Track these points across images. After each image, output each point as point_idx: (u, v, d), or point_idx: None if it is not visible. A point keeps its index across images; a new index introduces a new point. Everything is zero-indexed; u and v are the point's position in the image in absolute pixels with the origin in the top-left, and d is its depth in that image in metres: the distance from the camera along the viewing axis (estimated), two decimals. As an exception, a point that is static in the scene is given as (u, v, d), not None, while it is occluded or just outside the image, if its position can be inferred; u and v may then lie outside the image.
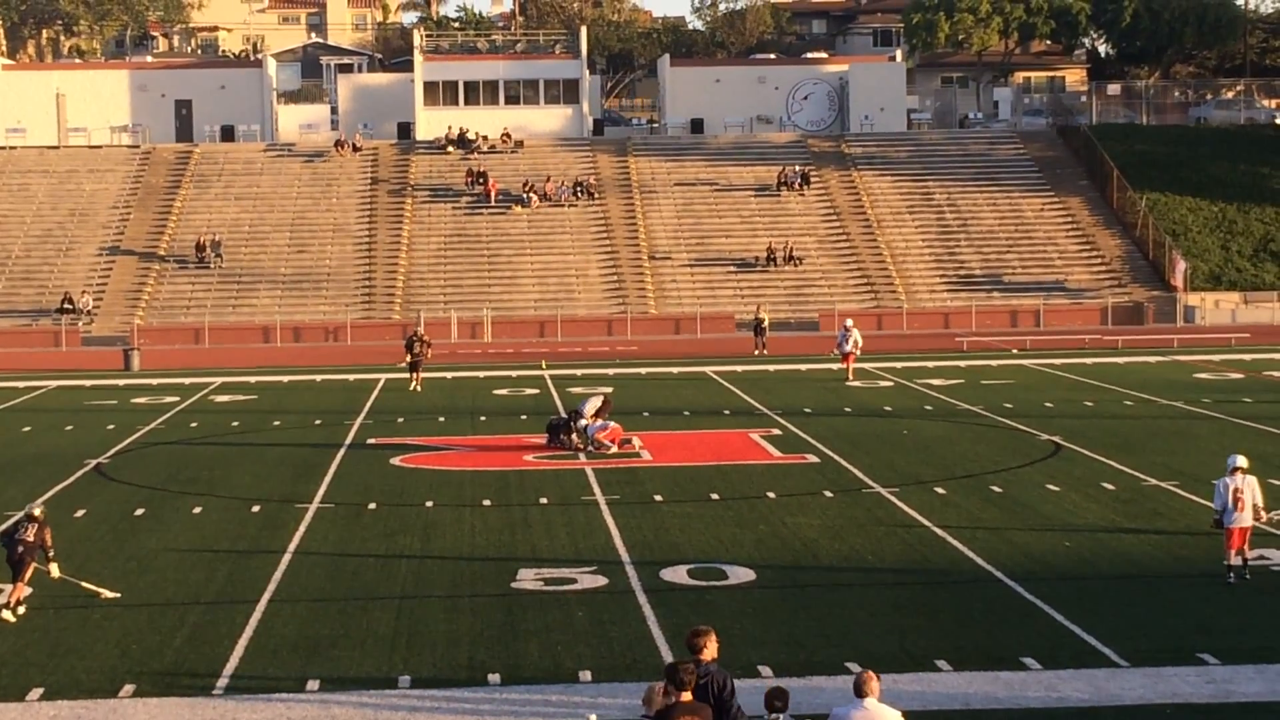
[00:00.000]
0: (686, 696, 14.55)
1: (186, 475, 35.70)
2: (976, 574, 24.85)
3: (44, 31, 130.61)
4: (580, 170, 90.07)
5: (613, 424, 38.74)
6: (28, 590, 23.05)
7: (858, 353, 54.71)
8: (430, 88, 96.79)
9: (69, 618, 22.73)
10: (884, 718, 14.77)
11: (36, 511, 23.77)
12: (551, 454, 37.85)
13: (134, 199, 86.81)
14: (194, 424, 45.40)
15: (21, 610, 22.76)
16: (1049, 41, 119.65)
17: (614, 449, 37.74)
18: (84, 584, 24.01)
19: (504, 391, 52.65)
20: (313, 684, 19.57)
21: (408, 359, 53.86)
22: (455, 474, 35.47)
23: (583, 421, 38.69)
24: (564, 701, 18.61)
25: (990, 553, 26.09)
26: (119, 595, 23.88)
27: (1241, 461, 24.35)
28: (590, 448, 37.92)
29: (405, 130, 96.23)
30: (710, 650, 15.15)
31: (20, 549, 22.99)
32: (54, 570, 23.61)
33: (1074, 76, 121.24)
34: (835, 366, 56.21)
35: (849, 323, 55.72)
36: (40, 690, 19.47)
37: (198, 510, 31.18)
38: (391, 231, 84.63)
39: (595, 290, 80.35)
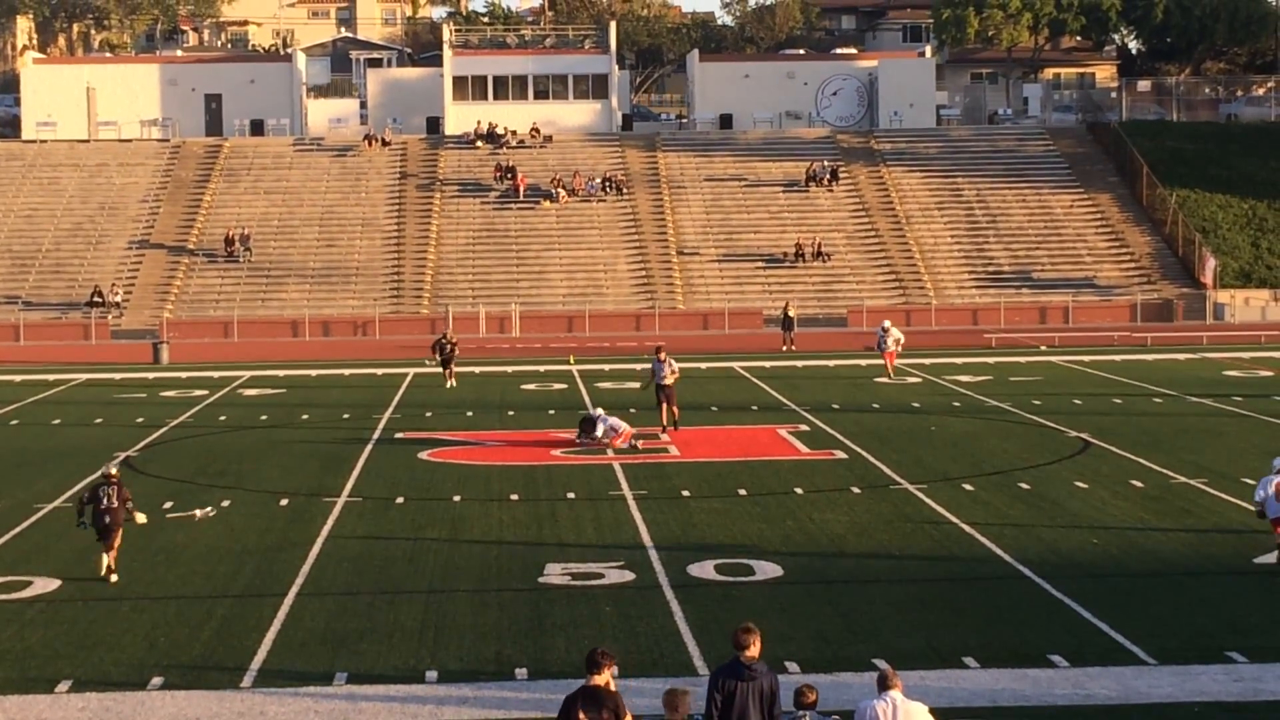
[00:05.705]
0: (599, 680, 14.61)
1: (215, 468, 35.80)
2: (1004, 571, 24.81)
3: (75, 25, 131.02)
4: (609, 165, 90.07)
5: (625, 426, 38.37)
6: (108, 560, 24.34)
7: (899, 350, 54.43)
8: (459, 82, 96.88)
9: (97, 610, 22.83)
10: (910, 711, 14.78)
11: (113, 471, 24.74)
12: (579, 449, 37.87)
13: (164, 193, 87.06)
14: (223, 417, 45.53)
15: (114, 579, 24.09)
16: (1079, 38, 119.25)
17: (625, 446, 37.41)
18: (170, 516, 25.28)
19: (532, 386, 52.69)
20: (340, 677, 19.63)
21: (438, 358, 53.67)
22: (483, 468, 35.51)
23: (598, 420, 38.52)
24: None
25: (1018, 549, 26.05)
26: (210, 510, 24.61)
27: (1286, 464, 24.43)
28: (604, 441, 37.63)
29: (434, 125, 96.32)
30: (755, 649, 15.09)
31: (107, 519, 24.26)
32: (139, 518, 25.27)
33: (1104, 73, 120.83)
34: (865, 363, 56.17)
35: (886, 323, 55.17)
36: (69, 682, 19.54)
37: (226, 503, 31.19)
38: (420, 226, 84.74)
39: (624, 285, 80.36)
